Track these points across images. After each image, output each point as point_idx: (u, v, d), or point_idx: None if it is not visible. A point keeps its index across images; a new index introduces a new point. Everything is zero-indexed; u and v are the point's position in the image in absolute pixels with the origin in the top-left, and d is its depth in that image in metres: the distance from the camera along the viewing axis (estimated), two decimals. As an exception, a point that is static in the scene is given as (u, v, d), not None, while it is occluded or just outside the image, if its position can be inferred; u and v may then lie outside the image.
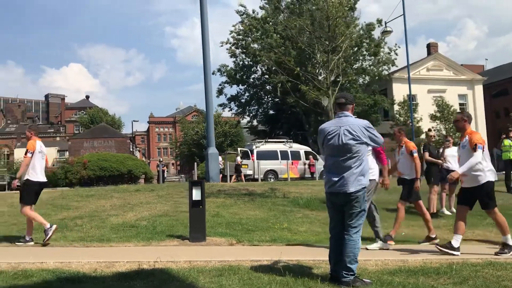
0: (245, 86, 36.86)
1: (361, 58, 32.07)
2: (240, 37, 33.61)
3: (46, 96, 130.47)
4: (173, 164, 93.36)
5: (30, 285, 4.53)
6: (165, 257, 5.51)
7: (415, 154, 7.07)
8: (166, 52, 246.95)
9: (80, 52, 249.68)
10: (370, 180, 5.46)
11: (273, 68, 22.51)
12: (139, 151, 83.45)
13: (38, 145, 7.28)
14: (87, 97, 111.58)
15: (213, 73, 26.99)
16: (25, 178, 7.15)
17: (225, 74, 35.49)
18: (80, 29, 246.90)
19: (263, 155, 24.14)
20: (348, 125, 4.55)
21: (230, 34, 33.70)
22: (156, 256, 5.56)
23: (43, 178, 7.30)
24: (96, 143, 44.87)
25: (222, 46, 34.14)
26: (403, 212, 7.21)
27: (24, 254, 6.12)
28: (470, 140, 5.98)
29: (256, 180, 21.80)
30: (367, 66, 32.79)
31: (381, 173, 6.66)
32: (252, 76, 36.65)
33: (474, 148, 5.86)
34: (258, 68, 35.53)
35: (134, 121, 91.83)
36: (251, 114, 38.75)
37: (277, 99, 35.32)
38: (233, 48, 34.05)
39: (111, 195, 12.42)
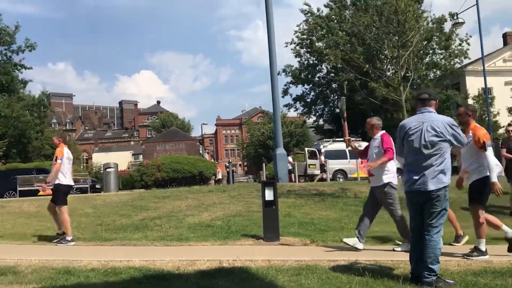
0: (310, 85, 36.65)
1: (431, 52, 30.85)
2: (305, 36, 33.49)
3: (120, 103, 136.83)
4: (240, 165, 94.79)
5: (119, 282, 4.82)
6: (243, 255, 5.66)
7: None
8: (231, 55, 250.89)
9: (151, 60, 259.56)
10: None
11: (339, 66, 22.25)
12: (207, 153, 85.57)
13: (65, 151, 7.81)
14: (158, 102, 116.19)
15: (278, 74, 27.00)
16: (56, 182, 7.70)
17: (290, 74, 35.50)
18: (151, 38, 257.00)
19: (331, 155, 23.88)
20: (431, 121, 4.44)
21: (294, 34, 33.64)
22: (233, 254, 5.73)
23: (71, 182, 7.91)
24: (168, 146, 46.61)
25: (286, 46, 34.17)
26: None
27: (112, 252, 6.51)
28: (473, 136, 5.59)
29: (325, 180, 21.64)
30: (438, 59, 31.48)
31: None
32: (317, 75, 36.36)
33: (483, 146, 5.52)
34: (323, 66, 35.19)
35: (203, 124, 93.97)
36: (317, 114, 38.42)
37: (343, 97, 34.82)
38: (297, 47, 33.98)
39: (185, 196, 12.86)
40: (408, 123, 4.61)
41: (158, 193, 14.25)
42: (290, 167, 21.40)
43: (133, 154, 75.58)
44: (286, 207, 10.36)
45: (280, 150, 16.93)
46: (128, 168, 53.55)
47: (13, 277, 5.05)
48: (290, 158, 23.03)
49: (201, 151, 62.17)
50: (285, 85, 36.36)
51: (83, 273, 5.14)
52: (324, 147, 24.58)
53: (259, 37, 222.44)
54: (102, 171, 20.71)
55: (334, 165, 23.45)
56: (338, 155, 23.96)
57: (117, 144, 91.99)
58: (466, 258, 5.40)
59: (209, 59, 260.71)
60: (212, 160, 73.06)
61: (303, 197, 12.14)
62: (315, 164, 24.07)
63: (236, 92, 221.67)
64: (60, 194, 7.73)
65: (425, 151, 4.38)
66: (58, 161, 7.62)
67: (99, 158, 60.43)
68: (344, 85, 27.23)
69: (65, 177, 7.72)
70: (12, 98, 32.94)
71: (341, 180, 22.39)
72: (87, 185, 20.40)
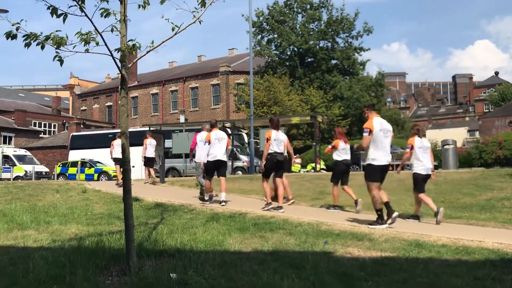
0: None
1: None
2: None
3: (453, 77, 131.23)
4: None
5: (473, 261, 4.72)
6: None
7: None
8: None
9: (488, 28, 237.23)
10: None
11: None
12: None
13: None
14: (496, 73, 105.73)
15: None
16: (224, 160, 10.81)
17: None
18: (486, 4, 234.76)
19: None
20: None
21: None
22: None
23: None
24: (509, 121, 42.00)
25: None
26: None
27: (460, 231, 6.39)
28: None
29: None
30: None
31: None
32: None
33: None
34: None
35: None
36: None
37: None
38: None
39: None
40: None
41: (502, 172, 13.06)
42: None
43: (468, 131, 71.59)
44: None
45: None
46: (463, 145, 51.00)
47: (369, 243, 5.62)
48: None
49: (552, 126, 53.25)
50: None
51: (434, 248, 5.26)
52: None
53: None
54: (438, 148, 20.46)
55: None
56: None
57: (451, 120, 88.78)
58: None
59: None
60: None
61: None
62: None
63: None
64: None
65: None
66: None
67: (433, 135, 59.79)
68: None
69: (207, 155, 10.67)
70: (352, 80, 36.01)
71: None
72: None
